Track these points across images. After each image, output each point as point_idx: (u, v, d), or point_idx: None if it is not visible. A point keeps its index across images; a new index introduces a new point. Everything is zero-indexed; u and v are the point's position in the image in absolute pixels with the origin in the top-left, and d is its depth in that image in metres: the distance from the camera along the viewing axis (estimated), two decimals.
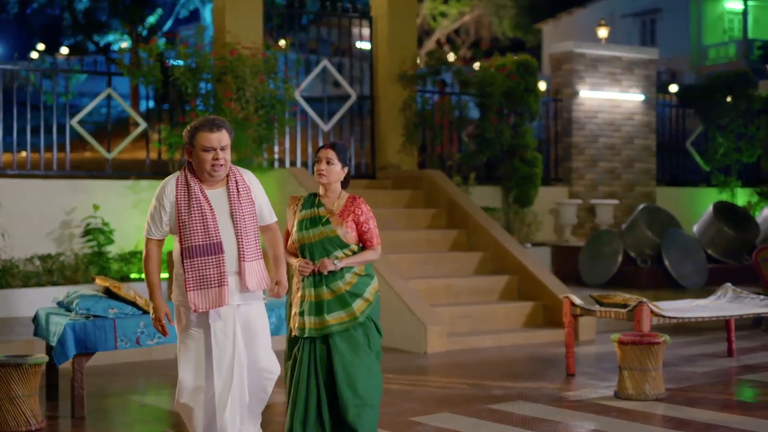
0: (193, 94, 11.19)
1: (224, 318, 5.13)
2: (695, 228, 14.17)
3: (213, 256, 5.04)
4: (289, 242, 5.57)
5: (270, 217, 5.39)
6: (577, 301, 8.43)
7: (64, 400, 7.42)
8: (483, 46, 37.82)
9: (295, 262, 5.49)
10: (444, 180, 12.53)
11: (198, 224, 5.04)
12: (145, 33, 29.97)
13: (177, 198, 5.08)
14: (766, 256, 11.13)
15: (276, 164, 12.15)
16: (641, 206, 13.48)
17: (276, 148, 12.23)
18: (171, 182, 5.14)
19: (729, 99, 15.88)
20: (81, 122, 11.74)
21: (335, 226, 5.49)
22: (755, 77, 16.53)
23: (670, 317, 8.02)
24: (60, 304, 7.50)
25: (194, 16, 37.13)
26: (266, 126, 11.41)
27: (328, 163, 5.51)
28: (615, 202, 14.56)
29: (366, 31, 13.90)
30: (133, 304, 7.18)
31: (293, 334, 5.52)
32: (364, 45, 14.55)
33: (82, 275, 10.51)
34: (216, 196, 5.14)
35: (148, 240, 5.18)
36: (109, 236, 10.77)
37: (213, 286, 5.04)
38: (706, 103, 16.07)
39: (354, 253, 5.54)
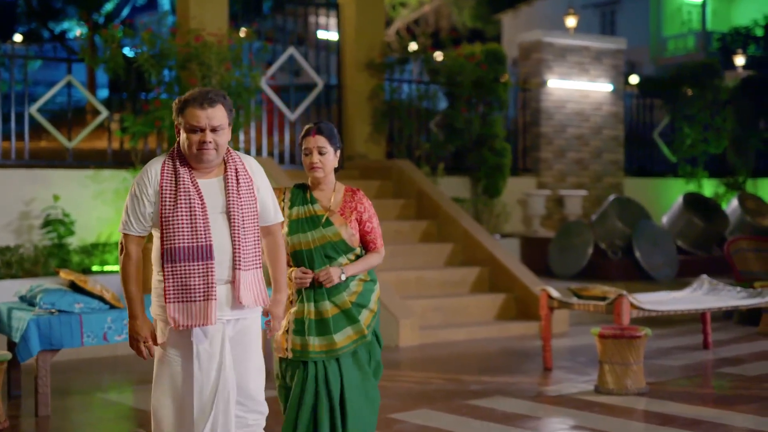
0: (158, 82, 10.89)
1: (211, 337, 4.14)
2: (665, 219, 14.10)
3: (200, 262, 4.05)
4: None
5: (275, 216, 4.38)
6: (555, 293, 8.27)
7: (27, 398, 7.15)
8: (442, 36, 37.67)
9: (290, 271, 4.61)
10: (413, 170, 12.33)
11: (184, 221, 4.05)
12: (101, 20, 29.50)
13: (162, 185, 4.10)
14: (738, 247, 11.06)
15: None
16: (611, 197, 13.38)
17: (241, 138, 11.97)
18: (155, 166, 4.16)
19: (690, 91, 15.79)
20: (37, 111, 11.38)
21: (339, 228, 4.63)
22: (722, 68, 16.49)
23: (650, 310, 7.88)
24: (22, 298, 7.21)
25: (151, 3, 36.61)
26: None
27: (320, 152, 4.63)
28: (584, 192, 14.45)
29: (331, 20, 13.65)
30: (100, 298, 6.91)
31: (283, 355, 4.65)
32: (331, 34, 14.31)
33: (42, 268, 10.17)
34: (209, 187, 4.16)
35: (125, 237, 4.18)
36: (70, 227, 10.45)
37: (198, 299, 4.06)
38: (673, 94, 16.01)
39: (357, 257, 4.71)
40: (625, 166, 15.60)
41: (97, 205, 10.79)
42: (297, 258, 4.63)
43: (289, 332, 4.61)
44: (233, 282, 4.13)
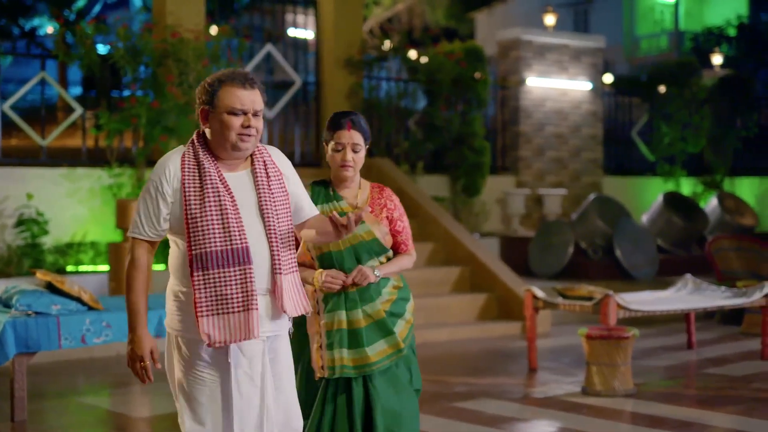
0: (133, 79, 10.70)
1: (251, 356, 3.56)
2: (644, 218, 14.06)
3: (236, 268, 3.50)
4: (299, 250, 4.17)
5: (311, 209, 3.86)
6: (539, 293, 8.17)
7: (2, 401, 6.96)
8: (416, 35, 37.58)
9: (318, 275, 4.15)
10: (392, 168, 12.21)
11: (215, 221, 3.51)
12: (72, 17, 29.16)
13: (184, 182, 3.54)
14: (719, 246, 11.01)
15: None
16: (592, 196, 13.30)
17: None
18: (174, 160, 3.60)
19: (664, 90, 15.74)
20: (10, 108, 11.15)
21: (371, 227, 4.18)
22: (700, 67, 16.46)
23: (636, 311, 7.80)
24: None
25: (123, 0, 36.25)
26: None
27: (354, 150, 4.16)
28: (563, 191, 14.38)
29: (305, 17, 13.50)
30: (78, 299, 6.73)
31: (320, 375, 4.18)
32: (306, 32, 14.16)
33: (16, 268, 9.97)
34: (237, 181, 3.62)
35: (134, 242, 3.61)
36: (44, 227, 10.24)
37: (236, 309, 3.49)
38: (648, 93, 15.97)
39: (388, 259, 4.26)
40: (603, 164, 15.54)
41: (72, 204, 10.59)
42: (325, 262, 4.18)
43: (323, 348, 4.14)
44: (273, 289, 3.60)
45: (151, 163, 10.92)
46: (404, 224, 4.30)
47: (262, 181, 3.64)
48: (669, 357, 8.83)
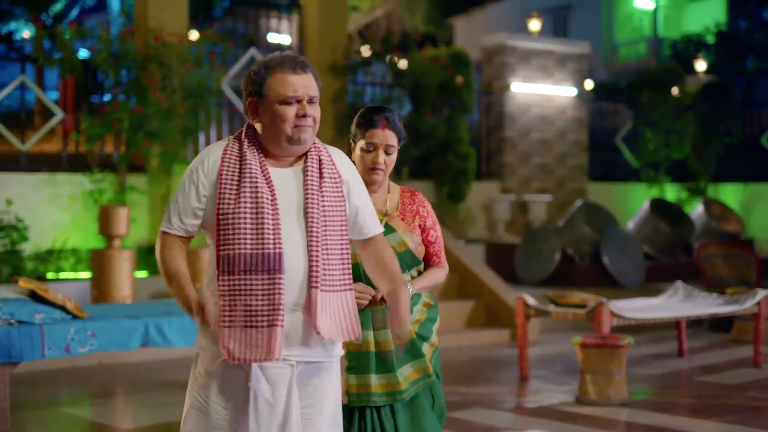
0: (115, 83, 10.52)
1: (273, 382, 3.04)
2: (631, 224, 14.00)
3: (265, 276, 2.99)
4: None
5: (374, 225, 3.29)
6: (531, 301, 8.05)
7: None
8: (394, 40, 37.55)
9: None
10: None
11: (247, 220, 3.02)
12: (50, 21, 28.90)
13: (222, 175, 3.07)
14: (707, 252, 10.95)
15: None
16: (579, 203, 13.22)
17: (201, 140, 11.63)
18: (215, 151, 3.13)
19: (646, 96, 15.68)
20: None
21: (403, 235, 3.72)
22: (684, 73, 16.43)
23: (630, 318, 7.70)
24: None
25: (101, 5, 35.97)
26: (192, 117, 10.80)
27: (387, 152, 3.72)
28: (548, 198, 14.29)
29: (286, 22, 13.37)
30: (62, 308, 6.53)
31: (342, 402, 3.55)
32: (287, 37, 14.03)
33: None
34: (283, 178, 3.12)
35: (163, 236, 3.15)
36: (24, 233, 10.04)
37: (260, 324, 2.98)
38: (631, 99, 15.92)
39: (419, 274, 3.80)
40: (588, 170, 15.47)
41: (52, 210, 10.40)
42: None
43: (342, 370, 3.61)
44: (308, 306, 3.04)
45: (134, 168, 10.75)
46: (437, 233, 3.85)
47: (312, 180, 3.11)
48: (661, 365, 8.74)
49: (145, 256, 10.41)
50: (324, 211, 3.10)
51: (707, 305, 8.53)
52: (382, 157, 3.69)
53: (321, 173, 3.13)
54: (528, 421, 6.70)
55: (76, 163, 10.83)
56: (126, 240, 10.03)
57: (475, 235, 13.74)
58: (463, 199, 13.32)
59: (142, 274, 10.22)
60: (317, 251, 3.05)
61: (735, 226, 14.91)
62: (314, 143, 3.17)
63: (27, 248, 10.13)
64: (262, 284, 3.00)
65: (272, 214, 3.03)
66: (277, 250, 3.00)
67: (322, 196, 3.11)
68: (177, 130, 10.51)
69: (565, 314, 7.82)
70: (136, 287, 9.58)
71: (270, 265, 2.99)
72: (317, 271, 3.04)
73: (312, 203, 3.08)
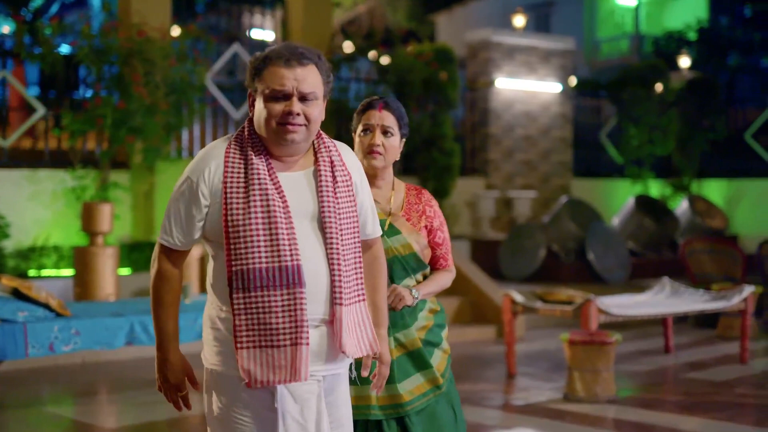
0: (98, 78, 10.41)
1: (303, 401, 2.84)
2: (615, 221, 13.99)
3: (285, 291, 2.76)
4: None
5: (374, 228, 3.07)
6: (518, 298, 8.01)
7: None
8: (377, 37, 37.47)
9: None
10: None
11: (260, 231, 2.78)
12: (29, 17, 28.71)
13: (227, 183, 2.81)
14: (693, 248, 10.95)
15: (185, 154, 11.47)
16: (564, 199, 13.20)
17: (185, 137, 11.55)
18: (217, 153, 2.86)
19: (630, 92, 15.65)
20: None
21: (408, 237, 3.47)
22: (667, 69, 16.42)
23: (617, 315, 7.67)
24: None
25: (81, 0, 35.75)
26: (175, 113, 10.71)
27: (385, 133, 3.44)
28: (532, 194, 14.27)
29: (268, 18, 13.29)
30: (46, 306, 6.46)
31: None
32: (269, 32, 13.95)
33: None
34: (293, 183, 2.88)
35: (161, 249, 2.92)
36: (5, 230, 9.93)
37: (282, 343, 2.76)
38: (613, 96, 15.91)
39: (425, 278, 3.53)
40: (573, 167, 15.45)
41: (34, 207, 10.29)
42: None
43: None
44: (332, 322, 2.84)
45: (117, 164, 10.65)
46: (444, 235, 3.58)
47: (326, 184, 2.87)
48: (648, 362, 8.72)
49: (128, 253, 10.31)
50: (340, 218, 2.88)
51: (694, 301, 8.52)
52: (379, 138, 3.42)
53: (334, 176, 2.90)
54: (515, 419, 6.67)
55: (58, 160, 10.73)
56: (109, 237, 9.94)
57: (460, 231, 13.70)
58: (448, 196, 13.27)
59: (125, 271, 10.13)
60: (338, 261, 2.84)
61: (719, 223, 14.93)
62: (324, 143, 2.93)
63: (8, 245, 10.02)
64: (282, 300, 2.76)
65: (286, 223, 2.79)
66: (295, 262, 2.77)
67: (337, 201, 2.88)
68: (160, 126, 10.42)
69: (552, 311, 7.79)
70: (119, 284, 9.49)
71: (289, 279, 2.76)
72: (340, 286, 2.83)
73: (329, 211, 2.86)
